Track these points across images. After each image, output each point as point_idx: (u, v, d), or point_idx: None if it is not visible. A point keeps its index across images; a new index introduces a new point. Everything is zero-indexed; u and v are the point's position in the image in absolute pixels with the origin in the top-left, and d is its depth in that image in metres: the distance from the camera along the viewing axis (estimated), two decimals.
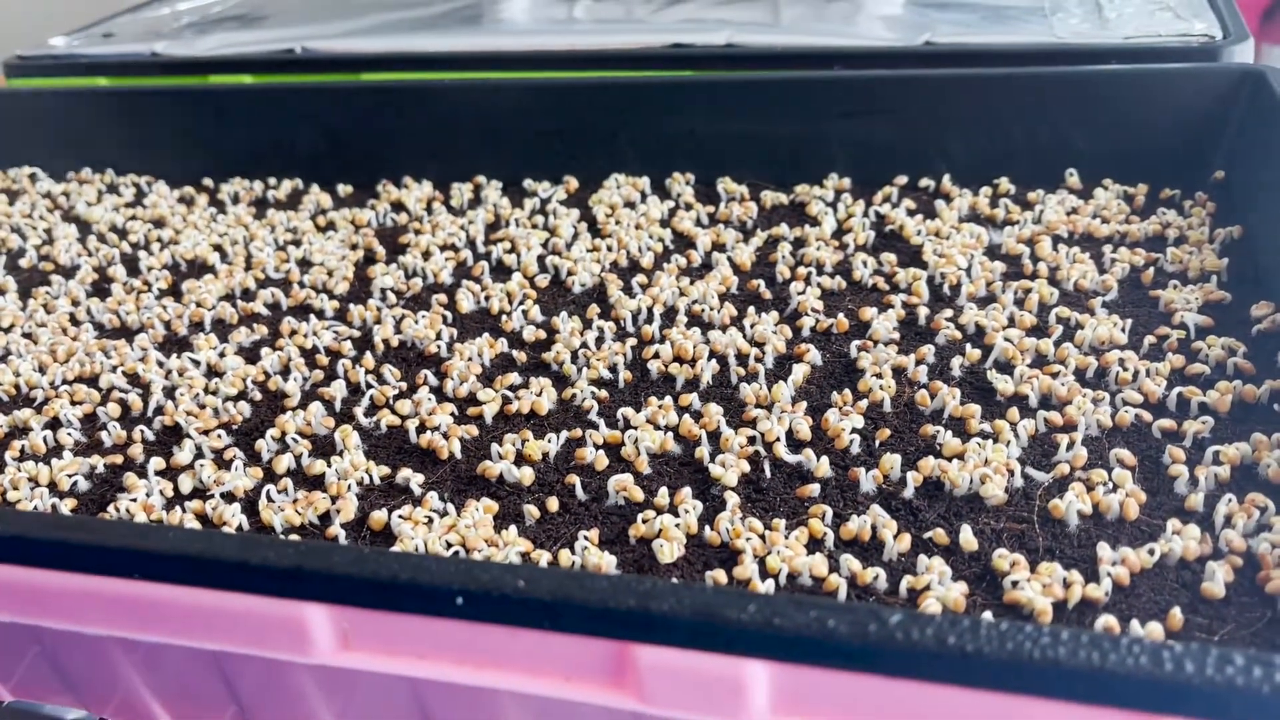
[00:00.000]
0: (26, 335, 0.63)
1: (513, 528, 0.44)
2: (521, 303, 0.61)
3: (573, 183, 0.74)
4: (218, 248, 0.71)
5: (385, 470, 0.49)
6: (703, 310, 0.58)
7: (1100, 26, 0.75)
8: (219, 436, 0.52)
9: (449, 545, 0.43)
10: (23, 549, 0.36)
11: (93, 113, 0.84)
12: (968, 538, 0.41)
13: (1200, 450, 0.45)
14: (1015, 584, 0.39)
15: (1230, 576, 0.39)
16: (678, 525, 0.43)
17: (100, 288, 0.68)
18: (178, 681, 0.42)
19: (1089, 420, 0.47)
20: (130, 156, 0.83)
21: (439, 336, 0.59)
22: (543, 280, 0.63)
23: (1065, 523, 0.42)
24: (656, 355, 0.55)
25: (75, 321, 0.64)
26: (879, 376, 0.51)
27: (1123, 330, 0.53)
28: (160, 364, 0.58)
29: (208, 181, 0.81)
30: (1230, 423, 0.46)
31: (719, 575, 0.41)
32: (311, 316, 0.62)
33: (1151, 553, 0.40)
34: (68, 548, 0.36)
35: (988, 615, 0.38)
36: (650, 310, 0.59)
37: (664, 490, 0.45)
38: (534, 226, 0.70)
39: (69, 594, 0.36)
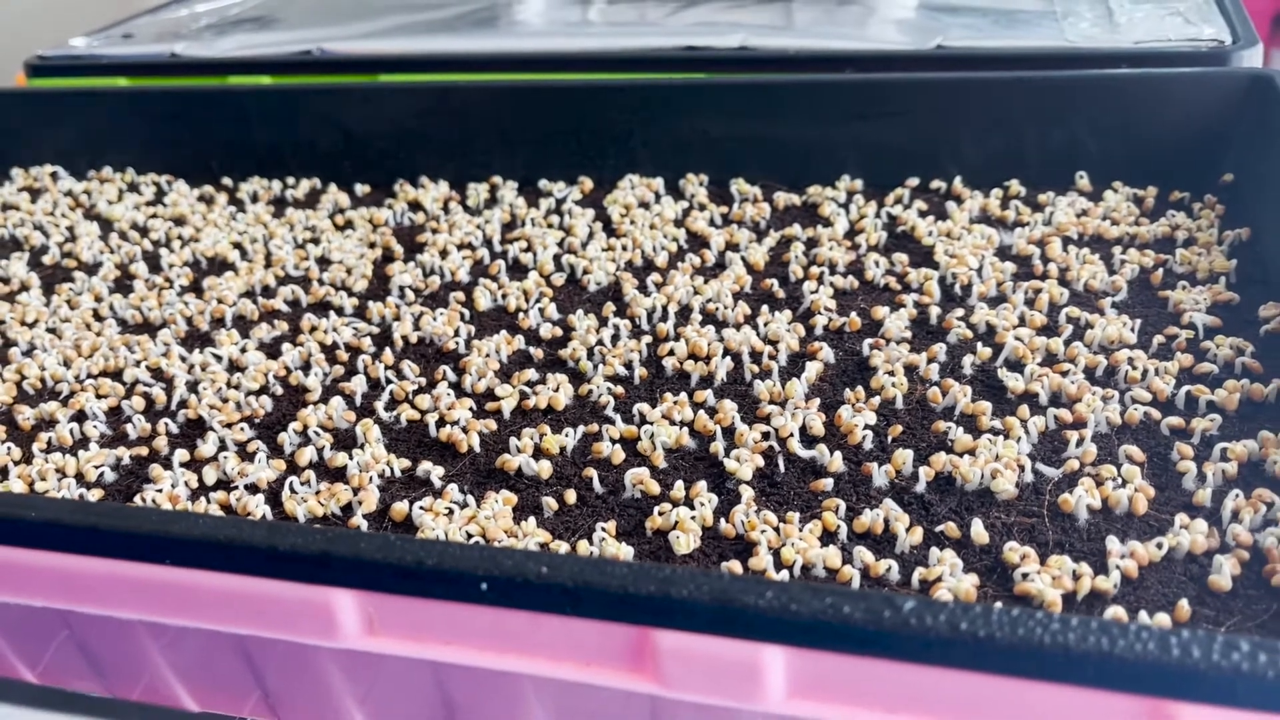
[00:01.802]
0: (51, 330, 0.64)
1: (531, 519, 0.45)
2: (538, 301, 0.62)
3: (588, 183, 0.75)
4: (237, 245, 0.72)
5: (406, 463, 0.50)
6: (717, 309, 0.59)
7: (1110, 31, 0.76)
8: (242, 430, 0.53)
9: (469, 536, 0.44)
10: (57, 535, 0.37)
11: (113, 113, 0.85)
12: (979, 531, 0.42)
13: (1208, 447, 0.45)
14: (1025, 576, 0.40)
15: (1237, 570, 0.39)
16: (693, 518, 0.44)
17: (122, 284, 0.69)
18: (204, 666, 0.43)
19: (1098, 417, 0.48)
20: (150, 156, 0.84)
21: (457, 333, 0.60)
22: (559, 279, 0.64)
23: (1075, 517, 0.43)
24: (672, 352, 0.55)
25: (99, 317, 0.65)
26: (891, 374, 0.52)
27: (1132, 330, 0.53)
28: (183, 359, 0.59)
29: (227, 181, 0.82)
30: (1238, 420, 0.47)
31: (734, 566, 0.42)
32: (331, 313, 0.63)
33: (1160, 546, 0.40)
34: (100, 534, 0.37)
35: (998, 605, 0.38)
36: (665, 308, 0.60)
37: (680, 484, 0.46)
38: (550, 226, 0.71)
39: (101, 579, 0.37)
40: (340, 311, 0.63)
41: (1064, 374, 0.51)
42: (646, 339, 0.57)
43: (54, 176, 0.85)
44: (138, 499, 0.49)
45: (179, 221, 0.77)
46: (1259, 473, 0.44)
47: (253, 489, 0.49)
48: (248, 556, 0.36)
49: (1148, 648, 0.28)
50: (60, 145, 0.86)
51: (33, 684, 0.47)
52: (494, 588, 0.33)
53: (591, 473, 0.48)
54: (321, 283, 0.67)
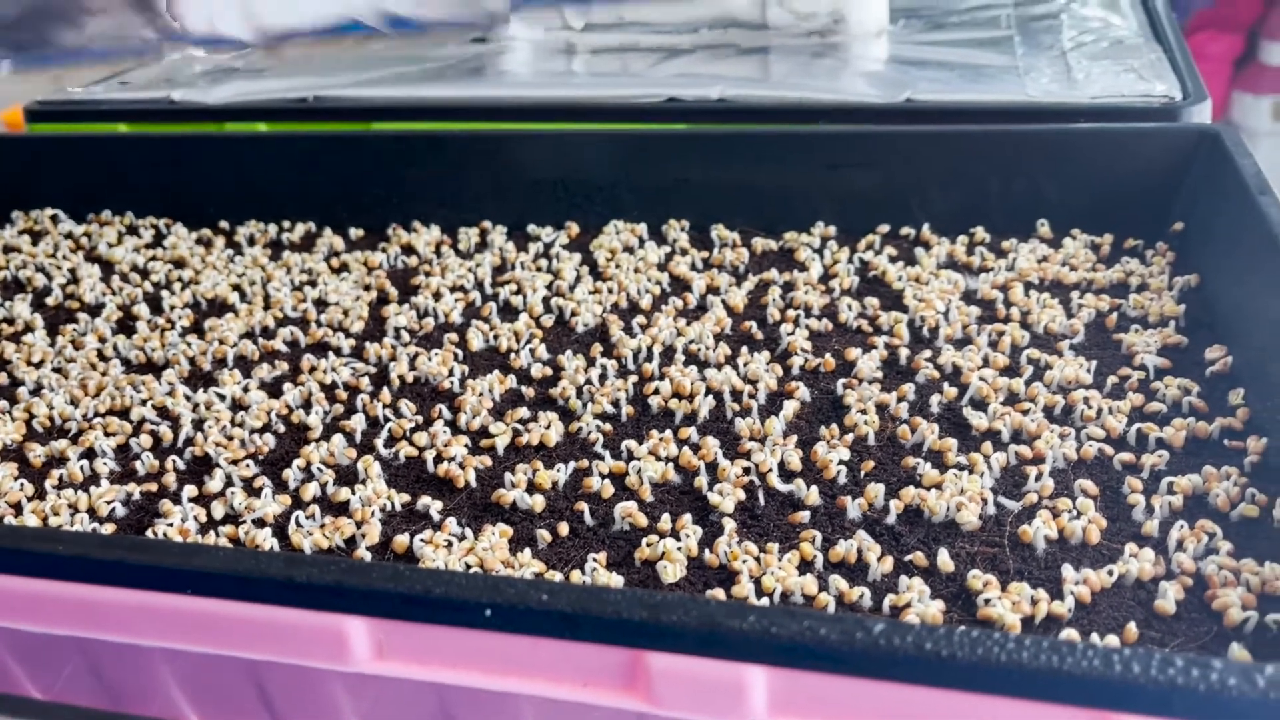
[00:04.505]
0: (57, 370, 0.66)
1: (527, 550, 0.48)
2: (529, 341, 0.65)
3: (574, 228, 0.78)
4: (236, 288, 0.75)
5: (406, 497, 0.52)
6: (699, 349, 0.63)
7: (1069, 86, 0.80)
8: (247, 466, 0.55)
9: (468, 566, 0.47)
10: (84, 567, 0.40)
11: (112, 158, 0.88)
12: (945, 560, 0.45)
13: (1156, 481, 0.49)
14: (987, 601, 0.43)
15: (1181, 595, 0.43)
16: (679, 548, 0.47)
17: (125, 325, 0.72)
18: (213, 690, 0.46)
19: (1056, 453, 0.51)
20: (149, 200, 0.87)
21: (451, 373, 0.62)
22: (548, 320, 0.67)
23: (1033, 546, 0.46)
24: (657, 391, 0.59)
25: (103, 357, 0.68)
26: (864, 412, 0.55)
27: (1088, 371, 0.57)
28: (188, 398, 0.62)
29: (224, 224, 0.84)
30: (1184, 456, 0.51)
31: (718, 594, 0.45)
32: (330, 353, 0.66)
33: (1110, 573, 0.44)
34: (125, 566, 0.39)
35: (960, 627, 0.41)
36: (650, 349, 0.63)
37: (666, 516, 0.49)
38: (538, 270, 0.74)
39: (124, 609, 0.40)
40: (338, 352, 0.66)
41: (1025, 412, 0.54)
42: (633, 378, 0.60)
43: (54, 219, 0.87)
44: (149, 533, 0.51)
45: (179, 264, 0.79)
46: (1202, 505, 0.48)
47: (260, 523, 0.52)
48: (266, 586, 0.38)
49: (1092, 664, 0.31)
50: (59, 189, 0.89)
51: (39, 700, 0.49)
52: (497, 614, 0.36)
53: (582, 506, 0.50)
54: (319, 324, 0.69)
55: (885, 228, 0.74)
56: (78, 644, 0.46)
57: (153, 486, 0.55)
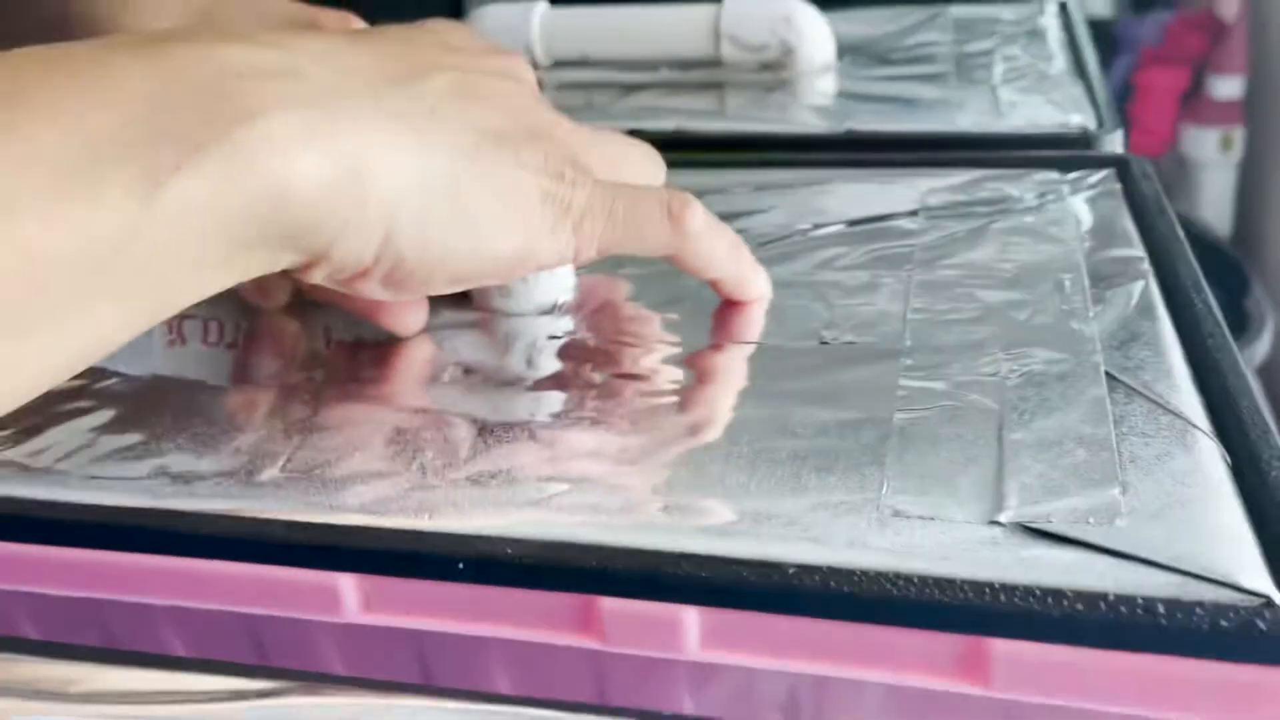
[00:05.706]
0: None
1: None
2: None
3: None
4: None
5: None
6: None
7: (995, 118, 0.87)
8: None
9: None
10: (102, 534, 0.45)
11: None
12: None
13: None
14: None
15: None
16: None
17: None
18: (214, 643, 0.51)
19: None
20: None
21: None
22: None
23: None
24: None
25: None
26: None
27: None
28: None
29: None
30: None
31: None
32: None
33: None
34: (141, 531, 0.45)
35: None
36: None
37: None
38: None
39: (138, 571, 0.45)
40: None
41: None
42: None
43: None
44: None
45: None
46: None
47: None
48: (266, 548, 0.44)
49: (968, 595, 0.38)
50: None
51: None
52: (469, 566, 0.42)
53: None
54: None
55: None
56: (93, 605, 0.50)
57: None
